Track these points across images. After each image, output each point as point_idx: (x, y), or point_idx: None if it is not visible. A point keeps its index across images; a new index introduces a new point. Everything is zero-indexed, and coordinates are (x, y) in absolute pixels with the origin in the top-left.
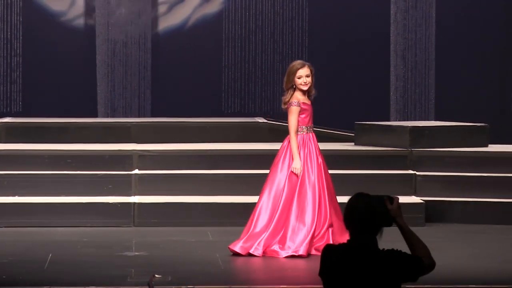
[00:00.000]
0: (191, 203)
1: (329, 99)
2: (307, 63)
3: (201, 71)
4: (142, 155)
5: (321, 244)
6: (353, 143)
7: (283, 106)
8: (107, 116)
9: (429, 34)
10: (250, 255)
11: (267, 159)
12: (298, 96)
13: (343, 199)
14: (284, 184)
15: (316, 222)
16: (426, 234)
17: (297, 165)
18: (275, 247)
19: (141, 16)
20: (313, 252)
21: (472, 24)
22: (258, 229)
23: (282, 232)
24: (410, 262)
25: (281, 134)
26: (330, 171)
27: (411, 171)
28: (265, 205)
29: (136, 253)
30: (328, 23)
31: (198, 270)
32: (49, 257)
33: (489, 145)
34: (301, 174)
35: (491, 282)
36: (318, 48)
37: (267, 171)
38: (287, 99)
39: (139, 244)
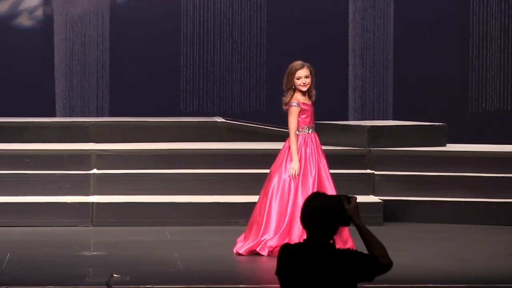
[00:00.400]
0: (149, 202)
1: None
2: (307, 63)
3: (159, 70)
4: (100, 154)
5: None
6: None
7: (283, 107)
8: (65, 116)
9: (387, 33)
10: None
11: (226, 159)
12: (298, 97)
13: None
14: (290, 186)
15: None
16: (384, 233)
17: (295, 166)
18: None
19: (99, 15)
20: None
21: (430, 23)
22: (268, 234)
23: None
24: (367, 262)
25: (239, 133)
26: None
27: (369, 171)
28: (274, 208)
29: (95, 253)
30: (286, 22)
31: (156, 269)
32: (7, 257)
33: (447, 145)
34: (299, 175)
35: (449, 281)
36: (276, 48)
37: (225, 171)
38: (287, 100)
39: (97, 244)
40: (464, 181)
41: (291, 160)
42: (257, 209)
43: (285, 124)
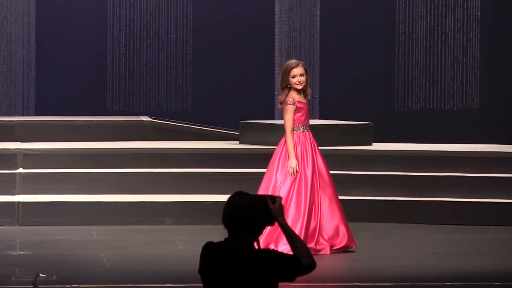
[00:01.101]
0: (75, 202)
1: (214, 97)
2: (301, 62)
3: (86, 69)
4: (27, 154)
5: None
6: (238, 142)
7: (279, 106)
8: None
9: (313, 32)
10: None
11: (152, 158)
12: (294, 95)
13: (226, 198)
14: (282, 183)
15: (307, 220)
16: None
17: (292, 164)
18: (271, 246)
19: (25, 14)
20: None
21: (357, 22)
22: None
23: (278, 231)
24: (288, 262)
25: (165, 132)
26: (215, 170)
27: None
28: None
29: (21, 252)
30: (212, 21)
31: (82, 269)
32: None
33: (374, 144)
34: (298, 173)
35: (372, 280)
36: (202, 47)
37: (151, 170)
38: (282, 99)
39: (23, 243)
40: (390, 180)
41: (285, 158)
42: None
43: (210, 122)
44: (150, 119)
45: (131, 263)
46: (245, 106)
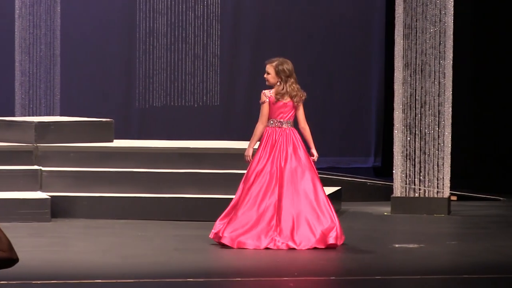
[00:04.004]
0: None
1: None
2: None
3: None
4: None
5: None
6: None
7: (297, 100)
8: None
9: (54, 29)
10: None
11: None
12: None
13: None
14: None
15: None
16: (52, 230)
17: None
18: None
19: None
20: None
21: (97, 20)
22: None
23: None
24: None
25: None
26: None
27: (36, 167)
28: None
29: None
30: None
31: None
32: None
33: (115, 140)
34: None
35: (116, 277)
36: None
37: None
38: (294, 93)
39: None
40: (130, 176)
41: (299, 148)
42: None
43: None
44: None
45: None
46: None
